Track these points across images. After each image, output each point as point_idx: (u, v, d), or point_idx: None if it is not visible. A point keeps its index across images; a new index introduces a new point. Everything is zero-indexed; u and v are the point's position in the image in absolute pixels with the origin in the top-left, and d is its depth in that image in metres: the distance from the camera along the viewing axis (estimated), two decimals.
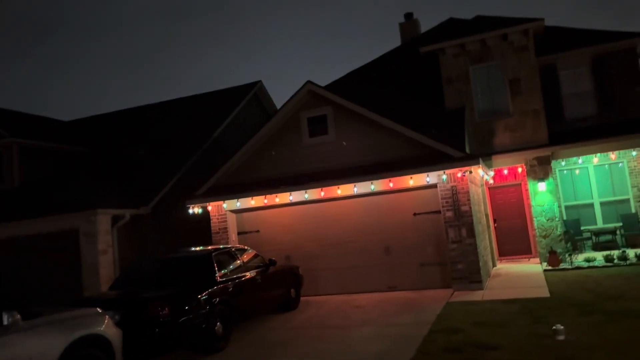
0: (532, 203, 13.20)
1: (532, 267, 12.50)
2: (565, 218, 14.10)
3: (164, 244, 15.49)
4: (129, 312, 6.36)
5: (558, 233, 12.87)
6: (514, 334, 6.64)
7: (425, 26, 23.43)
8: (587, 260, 12.13)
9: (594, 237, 13.97)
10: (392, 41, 73.75)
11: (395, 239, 11.03)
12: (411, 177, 10.32)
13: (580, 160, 13.90)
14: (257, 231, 12.17)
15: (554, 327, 6.23)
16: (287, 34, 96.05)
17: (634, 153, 13.73)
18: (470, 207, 10.16)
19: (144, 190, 14.77)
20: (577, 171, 14.45)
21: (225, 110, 19.43)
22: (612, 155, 13.65)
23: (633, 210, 13.97)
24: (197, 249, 9.19)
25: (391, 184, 10.50)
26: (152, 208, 14.26)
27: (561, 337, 6.07)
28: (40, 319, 5.01)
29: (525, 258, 14.16)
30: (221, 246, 9.42)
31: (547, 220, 12.97)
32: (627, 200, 14.18)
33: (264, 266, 9.38)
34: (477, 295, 9.52)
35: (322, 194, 11.06)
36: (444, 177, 10.17)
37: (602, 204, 14.43)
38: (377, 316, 8.74)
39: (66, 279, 13.20)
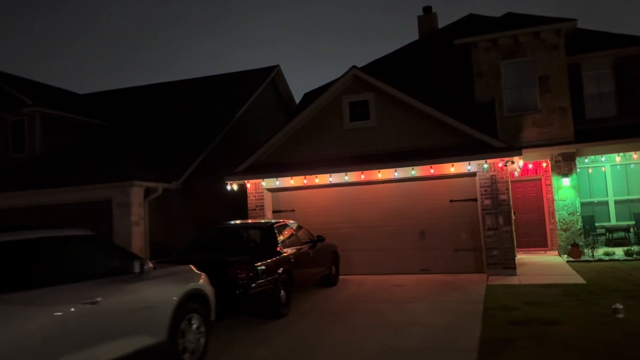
0: (555, 197, 13.69)
1: (553, 259, 13.00)
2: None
3: (192, 218, 15.75)
4: (214, 274, 6.62)
5: (578, 227, 13.39)
6: (570, 313, 7.06)
7: (441, 21, 23.86)
8: (607, 254, 12.66)
9: (607, 234, 14.54)
10: (407, 35, 74.43)
11: (430, 224, 11.42)
12: (452, 165, 10.70)
13: (603, 159, 14.43)
14: (292, 210, 12.46)
15: (613, 306, 6.67)
16: (300, 26, 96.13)
17: None
18: (508, 197, 10.58)
19: (172, 166, 14.95)
20: (589, 170, 15.00)
21: (244, 92, 19.62)
22: (635, 155, 14.21)
23: None
24: (252, 221, 9.48)
25: (432, 171, 10.87)
26: (181, 183, 14.47)
27: (620, 316, 6.51)
28: (160, 270, 5.29)
29: (541, 250, 14.67)
30: (274, 220, 9.69)
31: (569, 214, 13.48)
32: None
33: (312, 242, 9.71)
34: (513, 280, 9.97)
35: (363, 177, 11.39)
36: (485, 166, 10.57)
37: (616, 202, 15.02)
38: (422, 294, 9.13)
39: None
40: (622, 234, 14.47)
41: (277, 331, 7.00)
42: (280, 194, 12.57)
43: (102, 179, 13.26)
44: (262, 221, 9.34)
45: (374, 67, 18.50)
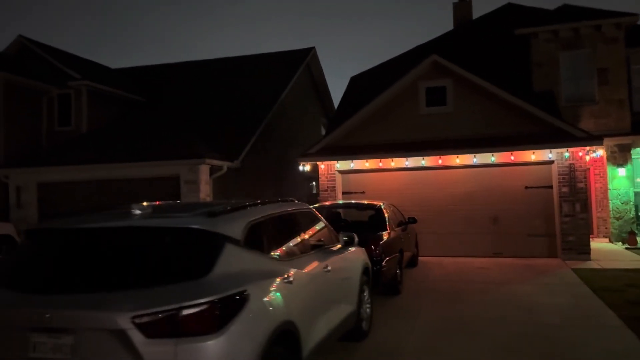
0: (609, 187, 14.13)
1: (609, 246, 13.47)
2: None
3: (251, 196, 15.96)
4: None
5: (631, 216, 13.88)
6: None
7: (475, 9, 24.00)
8: None
9: None
10: (438, 25, 74.54)
11: (503, 209, 11.79)
12: (533, 152, 11.03)
13: None
14: (363, 192, 12.73)
15: None
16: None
17: None
18: (586, 185, 10.97)
19: (228, 145, 15.06)
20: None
21: (282, 73, 19.70)
22: None
23: None
24: (357, 201, 9.73)
25: (512, 157, 11.20)
26: (240, 162, 14.65)
27: None
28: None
29: None
30: (381, 202, 9.92)
31: (622, 203, 13.95)
32: None
33: (406, 223, 10.00)
34: (592, 265, 10.40)
35: (440, 161, 11.69)
36: (567, 154, 10.91)
37: None
38: (513, 276, 9.50)
39: None
40: None
41: (409, 308, 7.31)
42: (351, 175, 12.83)
43: (173, 156, 13.38)
44: (365, 202, 9.61)
45: (414, 54, 18.70)
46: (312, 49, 21.91)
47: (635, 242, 13.07)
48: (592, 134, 11.34)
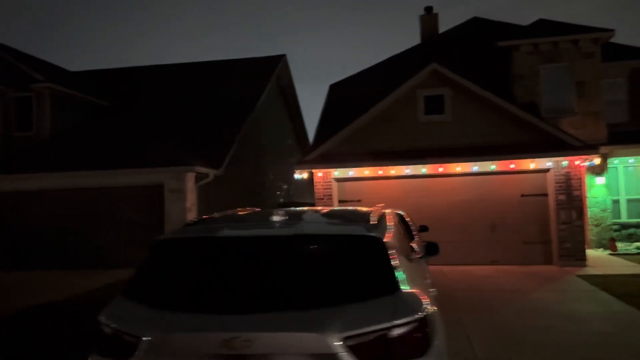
0: (588, 195, 14.62)
1: (589, 252, 13.83)
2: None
3: (230, 205, 15.30)
4: None
5: (609, 223, 14.42)
6: None
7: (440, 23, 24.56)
8: (638, 248, 13.74)
9: (622, 230, 15.73)
10: (404, 39, 76.10)
11: (500, 217, 11.88)
12: (532, 161, 11.19)
13: (616, 161, 15.57)
14: (359, 200, 12.48)
15: None
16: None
17: None
18: (581, 193, 11.23)
19: (208, 152, 14.39)
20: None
21: (256, 79, 19.27)
22: None
23: None
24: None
25: (512, 166, 11.31)
26: (224, 170, 14.05)
27: None
28: None
29: None
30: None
31: (600, 210, 14.47)
32: None
33: (417, 230, 9.81)
34: (590, 270, 10.62)
35: (441, 169, 11.64)
36: (565, 162, 11.15)
37: (628, 201, 16.27)
38: (522, 284, 9.52)
39: (143, 233, 12.68)
40: (633, 230, 15.72)
41: (447, 319, 7.07)
42: (347, 184, 12.55)
43: (157, 163, 12.61)
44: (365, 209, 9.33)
45: (388, 64, 18.81)
46: (283, 56, 21.58)
47: (616, 248, 13.57)
48: (588, 143, 11.68)
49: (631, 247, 13.96)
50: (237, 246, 2.98)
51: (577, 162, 11.20)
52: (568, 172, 11.28)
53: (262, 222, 3.28)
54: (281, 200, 21.02)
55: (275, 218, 3.20)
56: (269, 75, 19.74)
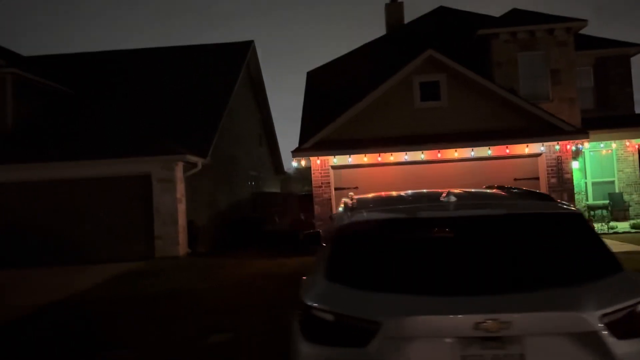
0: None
1: None
2: None
3: (216, 195, 14.82)
4: None
5: (583, 205, 15.12)
6: None
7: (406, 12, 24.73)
8: (611, 227, 14.49)
9: (590, 211, 16.58)
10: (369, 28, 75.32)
11: None
12: (527, 145, 11.50)
13: (601, 145, 16.31)
14: (356, 187, 12.36)
15: None
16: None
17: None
18: (572, 176, 11.68)
19: (191, 141, 13.81)
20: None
21: (226, 65, 18.76)
22: (614, 145, 16.33)
23: (617, 190, 16.84)
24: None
25: (508, 150, 11.58)
26: (210, 159, 13.57)
27: None
28: None
29: None
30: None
31: (576, 193, 15.13)
32: (613, 182, 17.04)
33: None
34: None
35: (439, 155, 11.74)
36: (557, 147, 11.53)
37: (593, 183, 17.16)
38: None
39: (129, 226, 12.03)
40: (599, 211, 16.59)
41: None
42: (343, 171, 12.43)
43: (144, 152, 11.95)
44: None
45: (359, 53, 18.80)
46: (251, 42, 21.08)
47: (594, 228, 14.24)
48: (578, 127, 12.14)
49: (604, 227, 14.70)
50: (446, 227, 2.81)
51: (568, 147, 11.62)
52: (559, 156, 11.70)
53: (438, 203, 3.12)
54: (253, 192, 20.64)
55: (451, 198, 3.06)
56: (240, 61, 19.24)
